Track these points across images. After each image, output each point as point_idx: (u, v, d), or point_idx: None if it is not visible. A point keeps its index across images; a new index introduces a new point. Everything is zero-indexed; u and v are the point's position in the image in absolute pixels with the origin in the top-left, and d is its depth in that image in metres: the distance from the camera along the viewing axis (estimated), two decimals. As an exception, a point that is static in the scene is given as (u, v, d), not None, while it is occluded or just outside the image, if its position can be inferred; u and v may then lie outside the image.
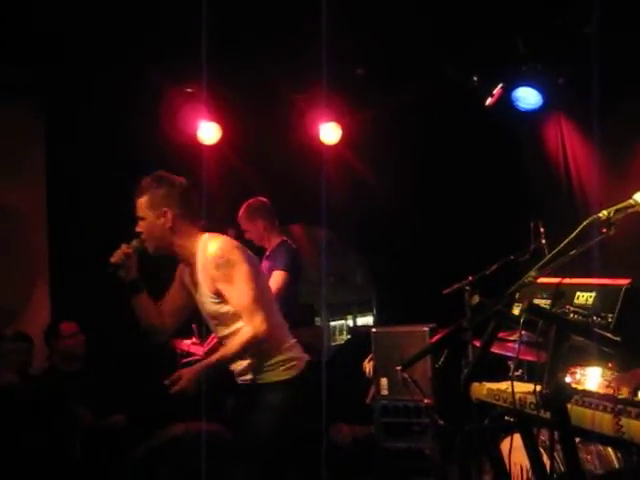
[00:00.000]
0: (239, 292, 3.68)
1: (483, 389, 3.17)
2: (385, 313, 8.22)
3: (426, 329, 5.43)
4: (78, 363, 5.76)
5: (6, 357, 5.45)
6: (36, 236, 6.60)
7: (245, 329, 3.68)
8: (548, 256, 2.86)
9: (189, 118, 6.62)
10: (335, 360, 7.22)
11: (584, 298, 2.88)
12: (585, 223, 2.83)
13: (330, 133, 6.87)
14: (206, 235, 3.80)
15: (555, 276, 2.97)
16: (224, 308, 3.75)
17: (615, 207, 2.85)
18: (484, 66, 6.24)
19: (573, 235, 2.82)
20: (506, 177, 6.78)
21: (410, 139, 6.92)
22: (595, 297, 2.84)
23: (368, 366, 5.70)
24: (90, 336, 5.82)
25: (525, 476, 4.05)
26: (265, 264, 5.67)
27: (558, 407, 2.67)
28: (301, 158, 6.89)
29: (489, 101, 6.20)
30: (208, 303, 3.78)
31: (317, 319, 8.44)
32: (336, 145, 6.93)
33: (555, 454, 2.97)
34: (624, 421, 2.55)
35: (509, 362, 4.43)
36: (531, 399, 2.82)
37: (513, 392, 2.88)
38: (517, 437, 3.38)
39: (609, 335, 2.70)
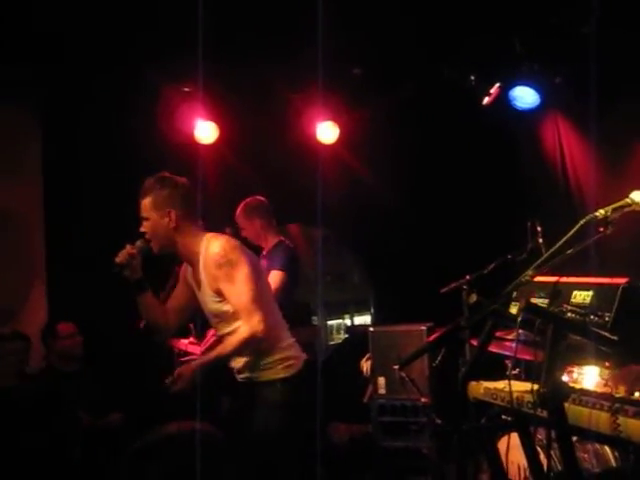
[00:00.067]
0: (239, 291, 3.72)
1: (480, 388, 3.17)
2: (382, 312, 8.21)
3: (423, 328, 5.44)
4: (76, 364, 5.75)
5: (3, 356, 5.44)
6: (33, 236, 6.58)
7: (242, 328, 3.72)
8: (545, 255, 2.87)
9: (186, 117, 6.61)
10: (332, 359, 7.21)
11: (581, 297, 2.88)
12: (582, 222, 2.84)
13: (327, 132, 6.86)
14: (209, 235, 3.84)
15: (552, 275, 2.98)
16: (225, 307, 3.79)
17: (612, 206, 2.87)
18: (481, 65, 6.23)
19: (570, 234, 2.83)
20: (503, 176, 6.77)
21: (407, 138, 6.91)
22: (592, 296, 2.85)
23: (365, 365, 5.70)
24: (87, 336, 5.82)
25: (522, 475, 4.05)
26: (262, 263, 5.66)
27: (555, 406, 2.68)
28: (298, 157, 6.88)
29: (486, 100, 6.19)
30: (210, 302, 3.82)
31: (314, 318, 8.43)
32: (333, 144, 6.92)
33: (552, 453, 2.98)
34: (621, 420, 2.55)
35: (506, 361, 4.44)
36: (528, 398, 2.82)
37: (510, 391, 2.89)
38: (514, 436, 3.38)
39: (606, 334, 2.70)
